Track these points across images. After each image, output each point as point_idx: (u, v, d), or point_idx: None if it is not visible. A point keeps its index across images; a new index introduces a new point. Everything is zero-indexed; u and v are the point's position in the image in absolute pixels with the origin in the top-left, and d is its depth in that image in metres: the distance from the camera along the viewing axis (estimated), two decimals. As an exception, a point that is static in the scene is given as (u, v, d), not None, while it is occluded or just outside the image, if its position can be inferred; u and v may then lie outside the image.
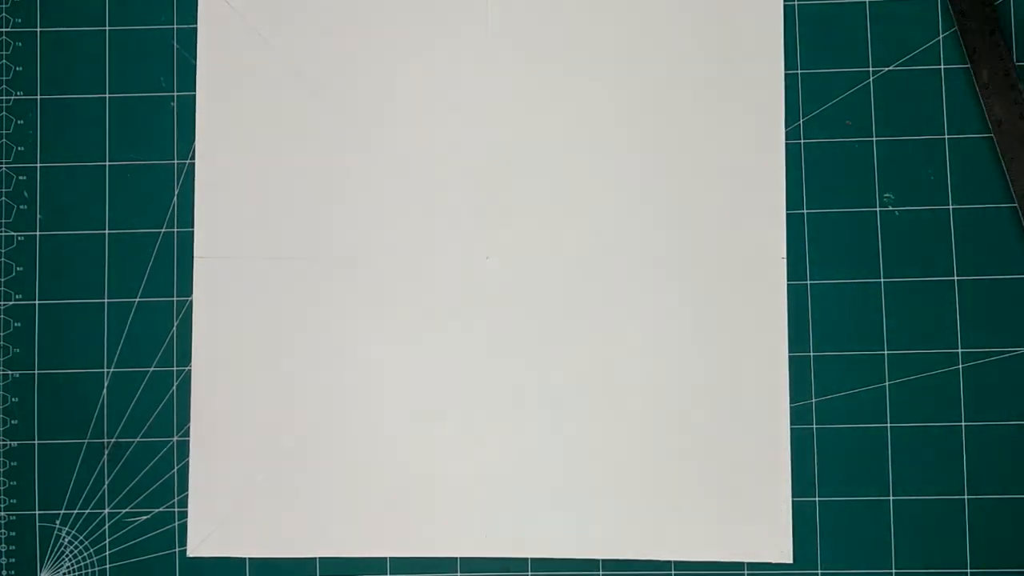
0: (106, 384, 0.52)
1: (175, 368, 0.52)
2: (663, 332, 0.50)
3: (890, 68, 0.52)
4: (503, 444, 0.50)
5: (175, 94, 0.53)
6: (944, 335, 0.51)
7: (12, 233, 0.52)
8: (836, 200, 0.51)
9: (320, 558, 0.51)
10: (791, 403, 0.50)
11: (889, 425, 0.50)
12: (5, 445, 0.52)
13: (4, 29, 0.53)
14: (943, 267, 0.51)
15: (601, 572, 0.50)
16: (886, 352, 0.51)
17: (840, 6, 0.52)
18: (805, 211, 0.51)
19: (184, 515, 0.51)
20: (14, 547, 0.51)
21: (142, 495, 0.51)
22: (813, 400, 0.50)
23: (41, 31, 0.53)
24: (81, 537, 0.51)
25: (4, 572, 0.51)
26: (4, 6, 0.53)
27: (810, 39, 0.52)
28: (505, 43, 0.52)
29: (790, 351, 0.50)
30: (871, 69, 0.52)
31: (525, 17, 0.52)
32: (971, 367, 0.50)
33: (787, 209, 0.51)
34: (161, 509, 0.51)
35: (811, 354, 0.51)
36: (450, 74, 0.52)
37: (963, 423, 0.50)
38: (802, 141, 0.51)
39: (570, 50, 0.52)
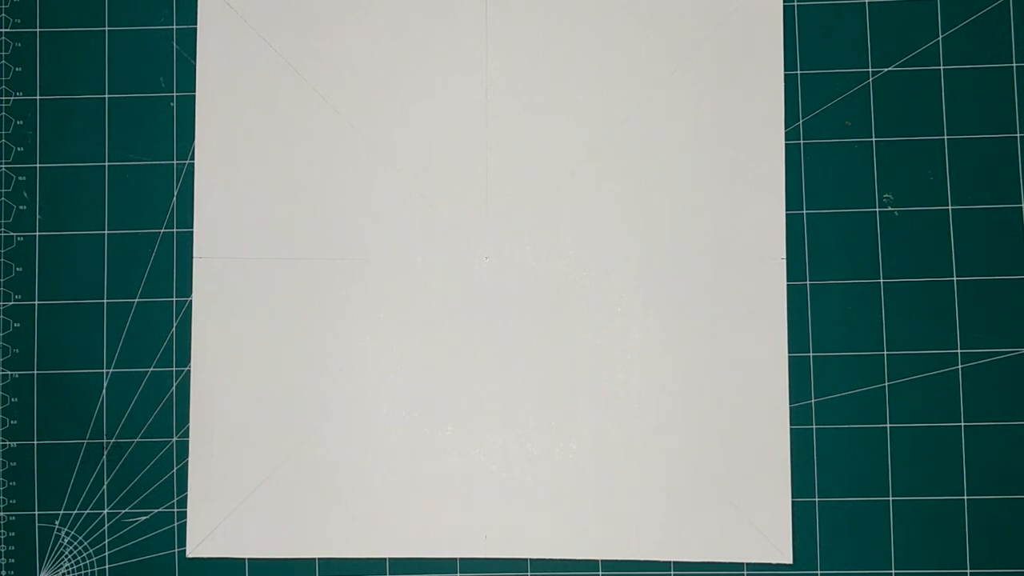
0: (105, 384, 0.52)
1: (174, 368, 0.52)
2: (662, 332, 0.50)
3: (890, 68, 0.52)
4: (503, 444, 0.50)
5: (175, 94, 0.53)
6: (944, 335, 0.51)
7: (12, 233, 0.52)
8: (836, 200, 0.51)
9: (320, 558, 0.51)
10: (791, 403, 0.50)
11: (889, 425, 0.50)
12: (5, 445, 0.52)
13: (4, 29, 0.53)
14: (943, 267, 0.51)
15: (601, 572, 0.50)
16: (886, 352, 0.51)
17: (840, 6, 0.52)
18: (805, 211, 0.51)
19: (184, 515, 0.51)
20: (13, 547, 0.51)
21: (141, 495, 0.51)
22: (813, 400, 0.50)
23: (41, 31, 0.53)
24: (80, 537, 0.51)
25: (4, 572, 0.51)
26: (4, 6, 0.53)
27: (810, 39, 0.52)
28: (505, 40, 0.52)
29: (790, 351, 0.50)
30: (871, 69, 0.52)
31: (524, 17, 0.52)
32: (971, 367, 0.50)
33: (787, 209, 0.51)
34: (161, 509, 0.51)
35: (811, 354, 0.51)
36: (450, 74, 0.52)
37: (963, 423, 0.50)
38: (802, 141, 0.51)
39: (570, 49, 0.52)
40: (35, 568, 0.51)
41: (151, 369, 0.52)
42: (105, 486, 0.51)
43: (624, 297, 0.51)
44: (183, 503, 0.51)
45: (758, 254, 0.51)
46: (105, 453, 0.51)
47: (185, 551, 0.51)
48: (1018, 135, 0.51)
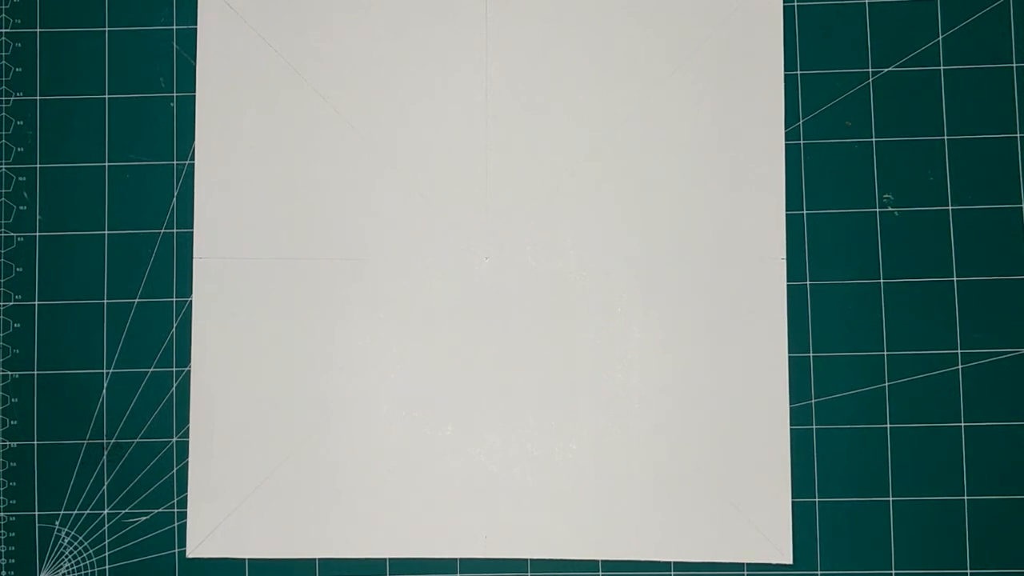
0: (106, 385, 0.52)
1: (174, 369, 0.52)
2: (663, 333, 0.50)
3: (890, 68, 0.52)
4: (503, 444, 0.50)
5: (175, 94, 0.53)
6: (944, 335, 0.51)
7: (12, 234, 0.52)
8: (836, 201, 0.51)
9: (320, 559, 0.51)
10: (791, 404, 0.50)
11: (889, 426, 0.50)
12: (5, 446, 0.52)
13: (4, 30, 0.53)
14: (943, 267, 0.51)
15: (601, 572, 0.50)
16: (886, 352, 0.51)
17: (840, 6, 0.52)
18: (805, 212, 0.51)
19: (184, 515, 0.51)
20: (14, 548, 0.51)
21: (142, 496, 0.51)
22: (813, 401, 0.50)
23: (41, 31, 0.53)
24: (81, 538, 0.51)
25: (4, 573, 0.51)
26: (4, 6, 0.53)
27: (810, 39, 0.52)
28: (505, 40, 0.52)
29: (790, 352, 0.50)
30: (871, 69, 0.52)
31: (524, 17, 0.52)
32: (971, 367, 0.50)
33: (787, 210, 0.51)
34: (161, 510, 0.51)
35: (811, 355, 0.51)
36: (450, 74, 0.52)
37: (963, 423, 0.50)
38: (802, 142, 0.51)
39: (570, 49, 0.52)
40: (35, 568, 0.51)
41: (151, 369, 0.52)
42: (105, 486, 0.51)
43: (624, 297, 0.51)
44: (183, 503, 0.51)
45: (758, 254, 0.51)
46: (105, 453, 0.51)
47: (185, 551, 0.51)
48: (1018, 135, 0.51)
